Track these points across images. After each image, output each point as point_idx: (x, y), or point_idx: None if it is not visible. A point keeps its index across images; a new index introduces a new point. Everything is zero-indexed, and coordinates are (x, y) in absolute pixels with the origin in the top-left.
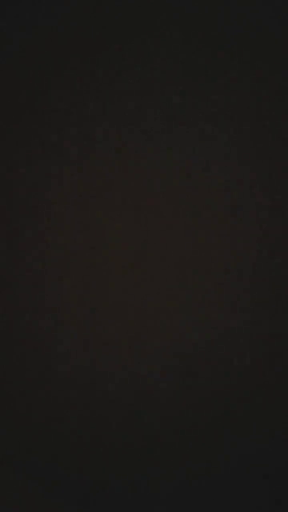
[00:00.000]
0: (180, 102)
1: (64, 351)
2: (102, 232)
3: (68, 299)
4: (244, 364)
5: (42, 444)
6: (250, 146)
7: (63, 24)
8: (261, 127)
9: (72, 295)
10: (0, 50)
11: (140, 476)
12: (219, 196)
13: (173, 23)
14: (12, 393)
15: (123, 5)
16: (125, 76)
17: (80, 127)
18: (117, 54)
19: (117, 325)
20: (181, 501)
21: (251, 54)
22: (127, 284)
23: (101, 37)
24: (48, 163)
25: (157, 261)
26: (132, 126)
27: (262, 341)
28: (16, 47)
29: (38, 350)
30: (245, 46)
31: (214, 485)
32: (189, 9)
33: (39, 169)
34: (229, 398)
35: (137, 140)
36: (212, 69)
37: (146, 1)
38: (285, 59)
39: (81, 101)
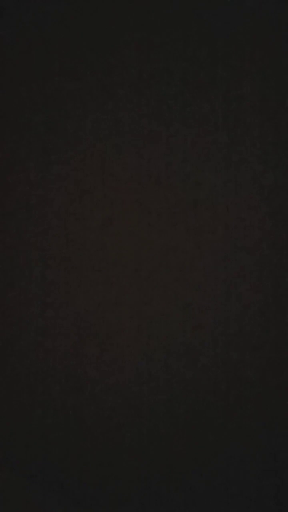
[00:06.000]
0: (181, 102)
1: (64, 350)
2: (102, 231)
3: (68, 299)
4: (244, 364)
5: (42, 444)
6: (250, 146)
7: (63, 23)
8: (262, 127)
9: (72, 294)
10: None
11: (139, 476)
12: (219, 196)
13: (173, 22)
14: (11, 393)
15: (123, 4)
16: (125, 76)
17: (79, 126)
18: (117, 53)
19: (117, 324)
20: (181, 501)
21: (251, 52)
22: (127, 284)
23: (101, 36)
24: (48, 163)
25: (157, 260)
26: (132, 125)
27: (263, 341)
28: (15, 45)
29: (38, 350)
30: (245, 44)
31: (214, 485)
32: (189, 7)
33: (39, 169)
34: (228, 398)
35: (137, 139)
36: (212, 67)
37: (146, 1)
38: (285, 58)
39: (81, 100)
